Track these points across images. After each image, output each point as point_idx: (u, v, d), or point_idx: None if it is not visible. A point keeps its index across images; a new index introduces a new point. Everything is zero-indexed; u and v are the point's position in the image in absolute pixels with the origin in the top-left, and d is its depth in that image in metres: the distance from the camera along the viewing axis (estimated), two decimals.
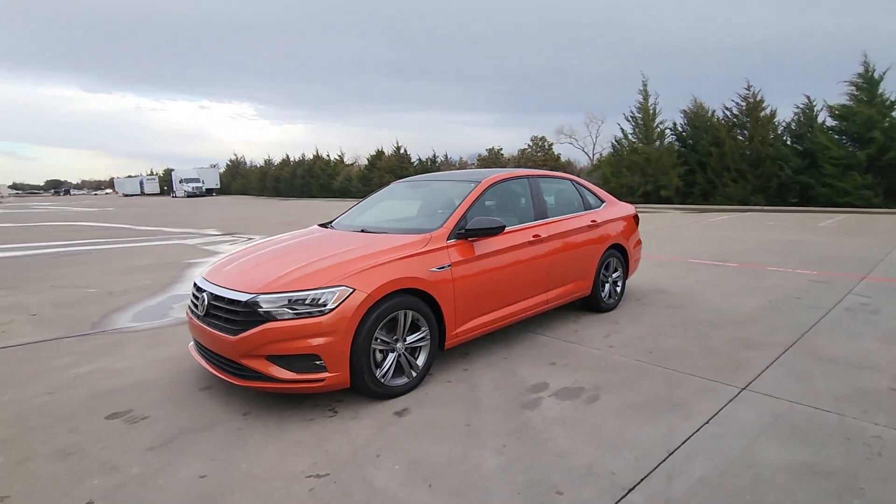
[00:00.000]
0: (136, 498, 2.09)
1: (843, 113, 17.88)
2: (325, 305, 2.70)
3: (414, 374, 3.08)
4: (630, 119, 23.62)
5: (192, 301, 3.25)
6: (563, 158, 42.38)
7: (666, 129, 23.00)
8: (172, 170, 61.92)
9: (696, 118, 22.14)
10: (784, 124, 19.89)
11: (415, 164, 35.81)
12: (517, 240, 3.77)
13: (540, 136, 45.21)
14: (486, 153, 40.95)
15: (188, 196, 50.20)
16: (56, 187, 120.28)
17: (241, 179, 55.62)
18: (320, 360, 2.69)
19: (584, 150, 49.36)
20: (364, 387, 2.84)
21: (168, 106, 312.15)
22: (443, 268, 3.20)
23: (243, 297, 2.77)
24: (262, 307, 2.70)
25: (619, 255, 4.90)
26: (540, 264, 3.94)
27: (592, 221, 4.59)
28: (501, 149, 41.70)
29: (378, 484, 2.16)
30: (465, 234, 3.40)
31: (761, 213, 16.31)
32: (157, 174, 76.39)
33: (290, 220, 16.79)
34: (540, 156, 42.31)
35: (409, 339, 3.06)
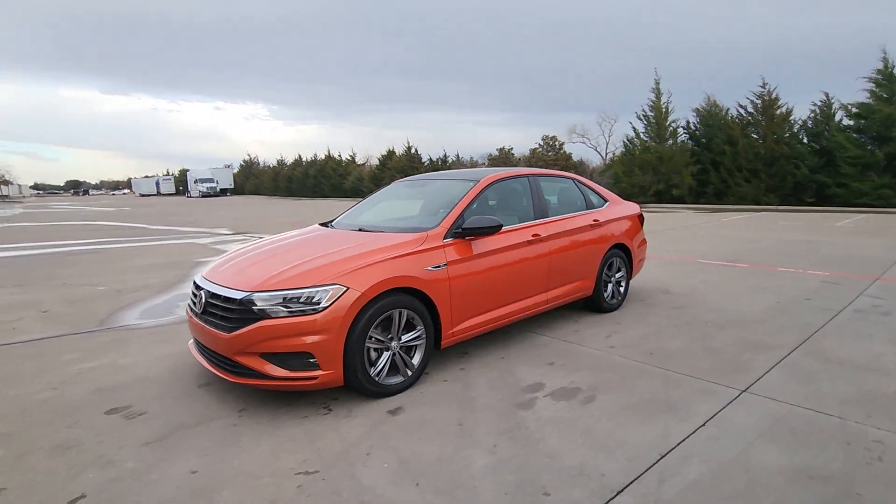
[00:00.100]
0: (130, 492, 2.12)
1: (862, 111, 17.43)
2: (318, 304, 2.71)
3: (409, 372, 3.08)
4: (642, 118, 23.26)
5: (191, 299, 3.29)
6: (575, 158, 42.16)
7: (679, 127, 22.68)
8: (188, 170, 62.76)
9: (710, 116, 21.80)
10: (800, 122, 19.49)
11: (426, 163, 35.78)
12: (516, 239, 3.74)
13: (551, 136, 44.91)
14: (496, 153, 40.80)
15: (203, 196, 50.90)
16: (75, 187, 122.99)
17: (254, 179, 56.16)
18: (314, 357, 2.70)
19: (596, 150, 48.98)
20: (358, 385, 2.85)
21: (183, 107, 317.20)
22: (438, 267, 3.19)
23: (238, 295, 2.79)
24: (256, 305, 2.72)
25: (622, 255, 4.85)
26: (539, 264, 3.91)
27: (594, 221, 4.54)
28: (512, 148, 41.57)
29: (366, 482, 2.16)
30: (462, 233, 3.39)
31: (776, 213, 16.03)
32: (172, 174, 77.61)
33: (301, 219, 16.89)
34: (551, 155, 42.04)
35: (405, 337, 3.06)
